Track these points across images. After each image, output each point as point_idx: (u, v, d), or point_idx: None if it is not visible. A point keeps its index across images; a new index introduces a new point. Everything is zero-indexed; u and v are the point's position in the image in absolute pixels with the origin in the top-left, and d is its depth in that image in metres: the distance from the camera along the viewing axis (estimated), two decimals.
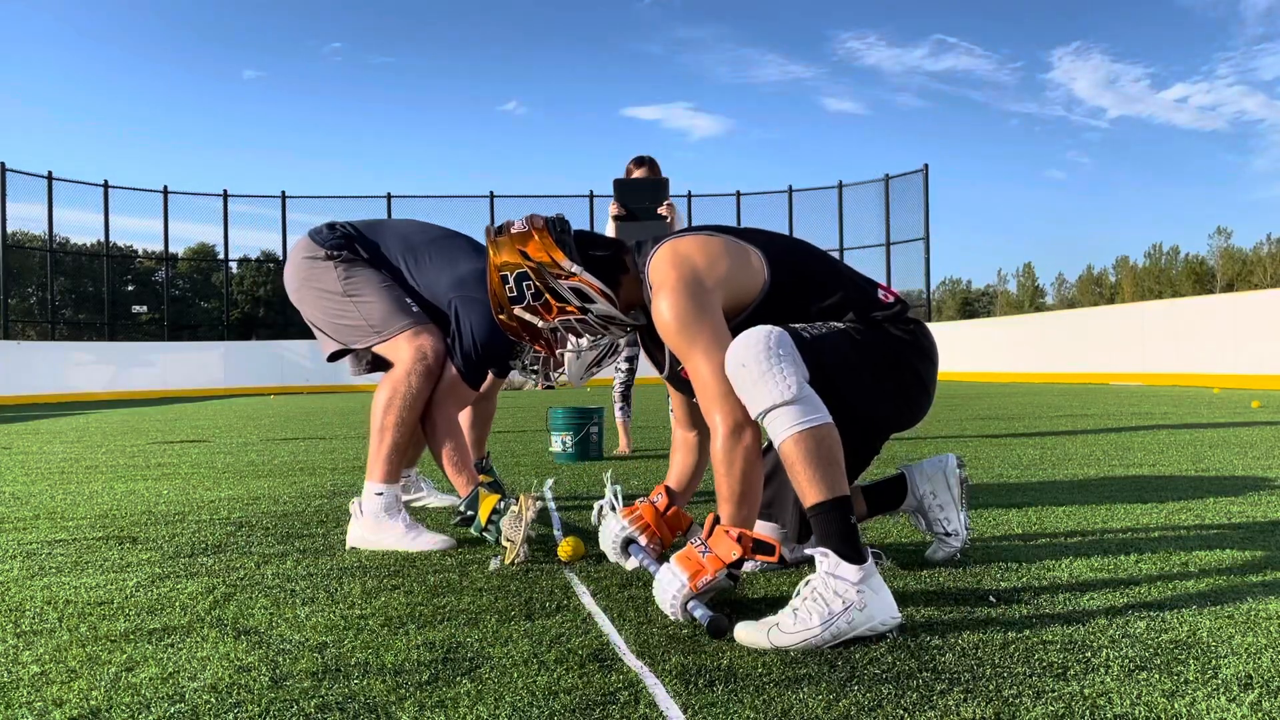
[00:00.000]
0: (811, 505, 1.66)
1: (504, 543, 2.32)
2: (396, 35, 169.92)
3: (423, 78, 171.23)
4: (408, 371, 2.56)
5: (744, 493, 1.80)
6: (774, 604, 1.84)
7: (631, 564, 2.16)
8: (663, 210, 4.68)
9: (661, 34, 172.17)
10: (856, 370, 1.87)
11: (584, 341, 2.23)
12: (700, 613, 1.66)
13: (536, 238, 1.99)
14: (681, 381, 2.16)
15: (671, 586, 1.71)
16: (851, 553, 1.62)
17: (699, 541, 1.77)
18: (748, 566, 2.11)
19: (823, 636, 1.56)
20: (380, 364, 2.82)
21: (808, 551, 1.70)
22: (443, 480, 3.84)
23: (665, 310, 1.83)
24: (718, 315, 1.84)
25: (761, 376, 1.70)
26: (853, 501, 1.72)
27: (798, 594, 1.63)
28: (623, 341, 2.37)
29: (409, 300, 2.68)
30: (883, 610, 1.60)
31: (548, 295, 1.99)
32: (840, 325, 1.90)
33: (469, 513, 2.51)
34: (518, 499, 2.36)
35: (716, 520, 1.81)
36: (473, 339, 2.59)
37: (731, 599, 1.89)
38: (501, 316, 2.06)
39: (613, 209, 4.72)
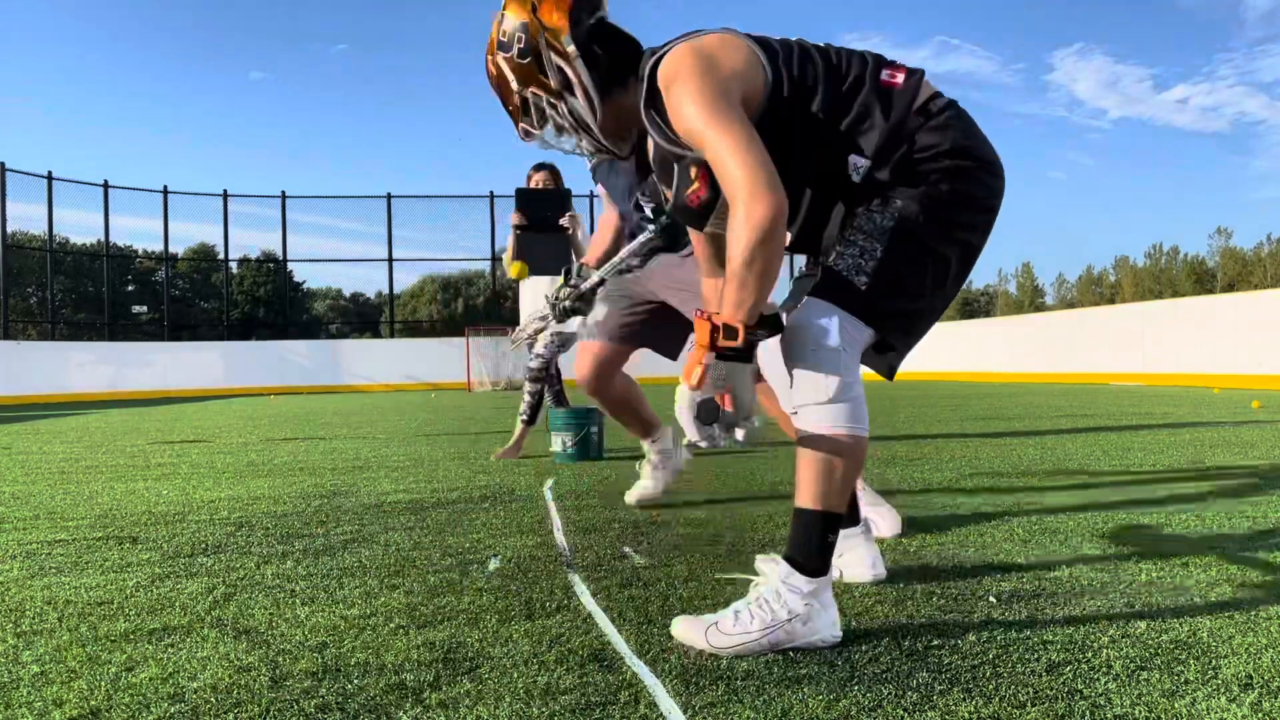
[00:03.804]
0: (799, 507, 1.63)
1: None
2: (402, 37, 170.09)
3: (425, 78, 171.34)
4: None
5: (746, 281, 1.57)
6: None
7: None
8: (564, 221, 4.49)
9: (665, 35, 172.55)
10: (915, 287, 1.68)
11: (544, 129, 1.93)
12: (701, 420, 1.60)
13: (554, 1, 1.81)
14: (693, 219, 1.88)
15: (682, 401, 1.62)
16: (811, 565, 1.59)
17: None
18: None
19: (760, 644, 1.54)
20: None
21: (759, 563, 1.66)
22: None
23: (687, 99, 1.63)
24: (739, 108, 1.66)
25: (804, 374, 1.63)
26: (842, 518, 1.65)
27: (746, 597, 1.61)
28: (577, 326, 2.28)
29: None
30: (826, 626, 1.57)
31: (531, 59, 1.82)
32: (878, 244, 1.65)
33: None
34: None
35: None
36: None
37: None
38: (488, 56, 1.89)
39: (514, 218, 4.50)
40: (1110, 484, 3.39)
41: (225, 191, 22.04)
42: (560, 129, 1.87)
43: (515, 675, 1.45)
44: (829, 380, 1.60)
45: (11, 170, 19.09)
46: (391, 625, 1.74)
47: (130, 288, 28.32)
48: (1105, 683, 1.36)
